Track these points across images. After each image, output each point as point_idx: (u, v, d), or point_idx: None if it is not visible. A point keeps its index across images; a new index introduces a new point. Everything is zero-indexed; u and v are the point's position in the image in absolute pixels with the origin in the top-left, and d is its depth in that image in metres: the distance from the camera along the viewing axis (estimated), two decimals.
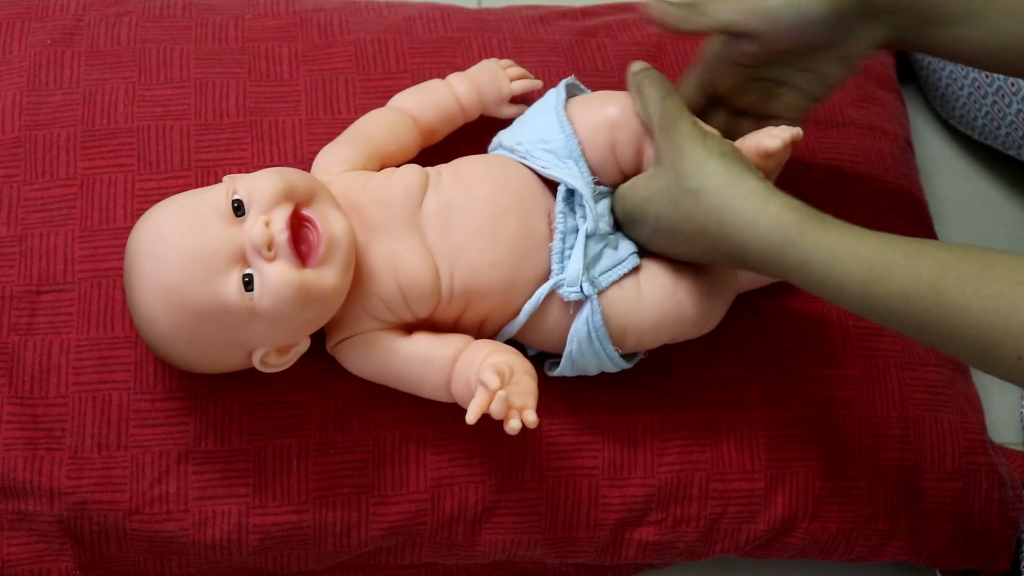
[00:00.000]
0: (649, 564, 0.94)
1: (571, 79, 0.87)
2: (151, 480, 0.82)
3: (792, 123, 0.81)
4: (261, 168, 0.88)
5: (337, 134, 0.89)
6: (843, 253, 0.69)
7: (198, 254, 0.73)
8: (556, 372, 0.84)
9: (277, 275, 0.72)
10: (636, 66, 0.81)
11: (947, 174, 1.19)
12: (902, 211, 1.01)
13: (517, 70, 0.92)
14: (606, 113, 0.81)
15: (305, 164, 0.88)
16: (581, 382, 0.87)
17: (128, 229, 0.85)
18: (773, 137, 0.79)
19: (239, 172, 0.87)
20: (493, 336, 0.83)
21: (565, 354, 0.82)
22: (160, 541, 0.83)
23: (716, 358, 0.90)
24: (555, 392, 0.86)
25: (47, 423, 0.82)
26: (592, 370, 0.84)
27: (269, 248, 0.72)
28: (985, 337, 0.65)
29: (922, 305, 0.66)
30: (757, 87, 0.86)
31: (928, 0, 0.80)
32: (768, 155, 0.78)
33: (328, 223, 0.74)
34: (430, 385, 0.80)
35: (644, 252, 0.83)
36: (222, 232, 0.73)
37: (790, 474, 0.90)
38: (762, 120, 0.85)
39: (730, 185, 0.73)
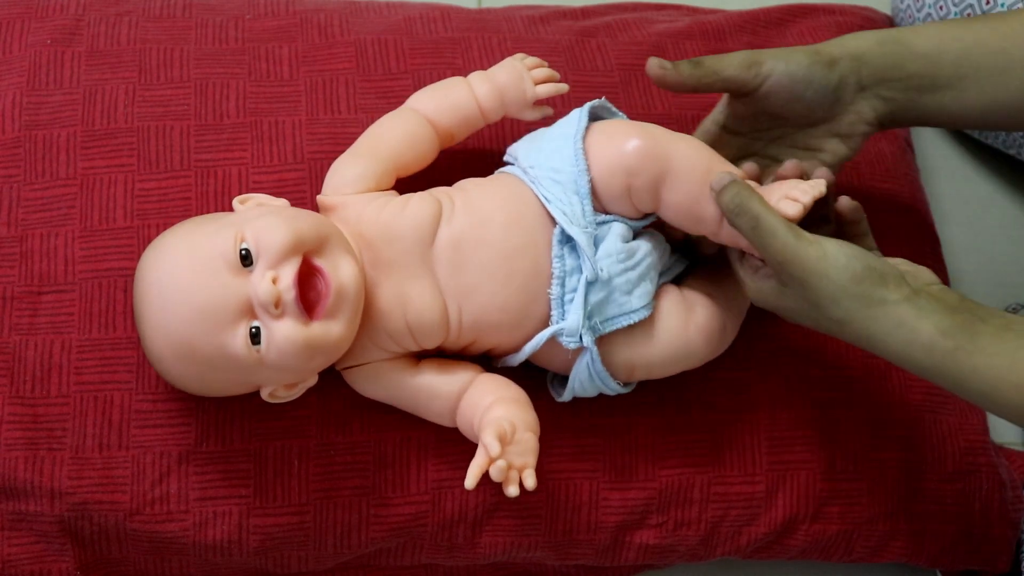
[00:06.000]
0: (649, 565, 0.94)
1: (599, 101, 0.83)
2: (152, 481, 0.82)
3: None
4: (261, 168, 0.88)
5: (337, 134, 0.89)
6: (998, 381, 0.68)
7: (205, 309, 0.73)
8: (560, 399, 0.84)
9: (284, 333, 0.72)
10: (717, 183, 0.75)
11: (947, 174, 1.19)
12: (902, 211, 1.01)
13: (543, 72, 0.85)
14: (623, 157, 0.78)
15: (305, 164, 0.88)
16: None
17: (128, 229, 0.85)
18: (793, 203, 0.74)
19: (239, 172, 0.88)
20: (499, 359, 0.83)
21: (567, 388, 0.82)
22: (161, 542, 0.83)
23: (717, 360, 0.90)
24: None
25: (48, 423, 0.82)
26: (592, 395, 0.83)
27: (276, 306, 0.71)
28: None
29: None
30: (758, 164, 0.84)
31: (920, 67, 0.81)
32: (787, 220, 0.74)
33: (337, 271, 0.73)
34: (435, 415, 0.81)
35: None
36: (229, 285, 0.72)
37: (791, 476, 0.90)
38: None
39: (873, 319, 0.70)
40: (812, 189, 0.75)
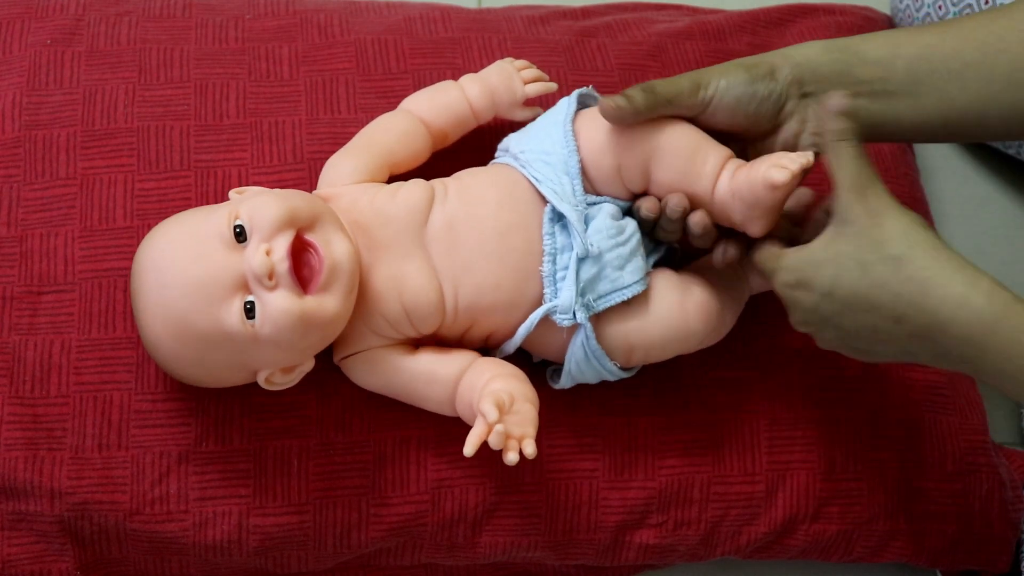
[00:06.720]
0: (649, 565, 0.94)
1: (586, 89, 0.84)
2: (152, 480, 0.82)
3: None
4: (261, 168, 0.88)
5: (337, 134, 0.89)
6: None
7: (200, 283, 0.73)
8: (559, 386, 0.84)
9: (278, 304, 0.72)
10: (833, 116, 0.74)
11: (947, 174, 1.19)
12: None
13: (532, 72, 0.88)
14: (613, 135, 0.79)
15: (305, 164, 0.88)
16: (582, 384, 0.86)
17: (128, 229, 0.85)
18: (781, 169, 0.74)
19: (239, 172, 0.88)
20: (496, 348, 0.83)
21: (564, 371, 0.82)
22: (160, 542, 0.83)
23: (717, 359, 0.90)
24: (556, 393, 0.86)
25: (48, 423, 0.82)
26: (592, 380, 0.84)
27: (270, 278, 0.72)
28: None
29: None
30: None
31: (871, 74, 0.79)
32: (775, 187, 0.74)
33: (331, 247, 0.74)
34: (435, 402, 0.81)
35: (657, 266, 0.83)
36: (224, 260, 0.73)
37: (791, 476, 0.90)
38: None
39: (938, 257, 0.69)
40: (800, 158, 0.76)
